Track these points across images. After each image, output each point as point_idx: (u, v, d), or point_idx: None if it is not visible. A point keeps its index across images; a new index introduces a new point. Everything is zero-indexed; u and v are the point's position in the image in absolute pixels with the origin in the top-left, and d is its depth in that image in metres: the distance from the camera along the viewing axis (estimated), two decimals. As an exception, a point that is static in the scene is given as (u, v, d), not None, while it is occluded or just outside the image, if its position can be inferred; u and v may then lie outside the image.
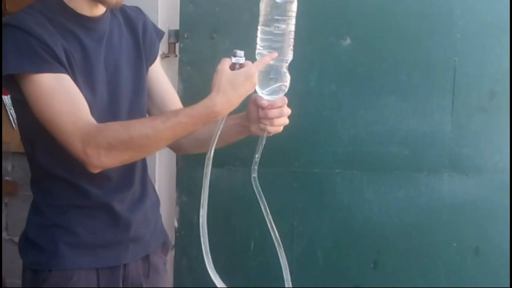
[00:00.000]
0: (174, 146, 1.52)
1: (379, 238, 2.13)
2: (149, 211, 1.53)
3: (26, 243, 1.44)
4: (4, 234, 2.80)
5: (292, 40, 1.31)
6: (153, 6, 2.01)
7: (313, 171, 2.13)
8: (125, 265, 1.47)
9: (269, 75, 1.31)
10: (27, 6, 1.36)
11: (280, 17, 1.28)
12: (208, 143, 1.34)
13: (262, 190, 1.38)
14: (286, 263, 1.39)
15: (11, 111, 2.75)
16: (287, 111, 1.35)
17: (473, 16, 2.06)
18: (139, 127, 1.29)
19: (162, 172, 2.14)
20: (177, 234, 2.12)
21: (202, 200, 1.32)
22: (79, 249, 1.41)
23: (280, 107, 1.34)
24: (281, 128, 1.37)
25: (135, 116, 1.46)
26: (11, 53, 1.28)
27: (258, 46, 1.32)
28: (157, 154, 2.03)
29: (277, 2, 1.28)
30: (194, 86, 2.04)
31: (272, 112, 1.33)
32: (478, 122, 2.10)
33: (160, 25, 1.85)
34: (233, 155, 2.01)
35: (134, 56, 1.48)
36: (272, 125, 1.35)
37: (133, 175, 1.48)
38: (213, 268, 1.30)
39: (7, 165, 2.78)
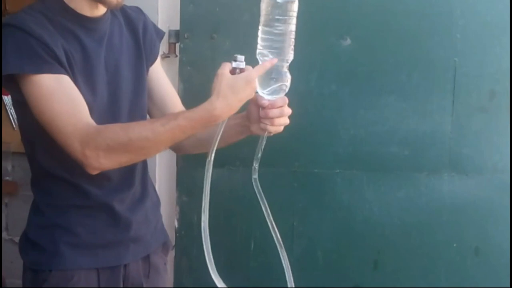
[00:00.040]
0: (175, 146, 1.52)
1: (379, 238, 2.13)
2: (149, 211, 1.53)
3: (27, 243, 1.44)
4: (4, 234, 2.80)
5: (293, 40, 1.32)
6: (153, 6, 2.01)
7: (313, 171, 2.13)
8: (125, 265, 1.47)
9: (270, 75, 1.32)
10: (27, 6, 1.36)
11: (281, 17, 1.28)
12: (209, 143, 1.34)
13: (262, 190, 1.38)
14: (288, 264, 1.39)
15: (11, 111, 2.75)
16: (288, 111, 1.35)
17: (473, 16, 2.06)
18: (138, 130, 1.29)
19: (162, 172, 2.14)
20: (177, 234, 2.12)
21: (203, 205, 1.32)
22: (79, 249, 1.41)
23: (281, 106, 1.34)
24: (281, 128, 1.37)
25: (135, 117, 1.46)
26: (11, 53, 1.28)
27: (258, 46, 1.33)
28: (158, 154, 2.03)
29: (278, 2, 1.28)
30: (194, 86, 2.04)
31: (273, 112, 1.34)
32: (478, 122, 2.10)
33: (160, 25, 1.85)
34: (233, 155, 2.01)
35: (134, 56, 1.48)
36: (272, 124, 1.35)
37: (134, 175, 1.48)
38: (216, 273, 1.31)
39: (7, 165, 2.78)
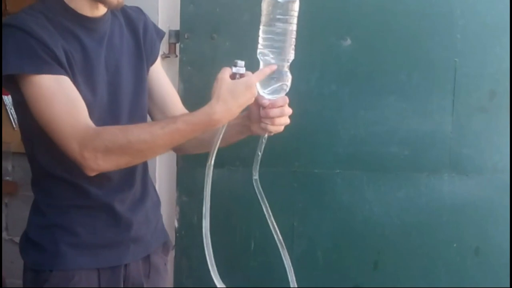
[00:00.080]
0: (175, 147, 1.52)
1: (379, 238, 2.13)
2: (150, 211, 1.53)
3: (27, 243, 1.44)
4: (4, 234, 2.80)
5: (294, 39, 1.32)
6: (153, 6, 2.01)
7: (313, 171, 2.13)
8: (126, 265, 1.47)
9: (271, 75, 1.32)
10: (27, 7, 1.36)
11: (282, 17, 1.29)
12: (209, 143, 1.34)
13: (262, 190, 1.38)
14: (290, 264, 1.39)
15: (11, 111, 2.75)
16: (288, 110, 1.35)
17: (473, 16, 2.06)
18: (137, 132, 1.29)
19: (162, 172, 2.14)
20: (177, 234, 2.12)
21: (204, 211, 1.32)
22: (80, 249, 1.41)
23: (281, 106, 1.34)
24: (282, 128, 1.37)
25: (135, 117, 1.46)
26: (11, 53, 1.28)
27: (259, 46, 1.33)
28: (157, 154, 2.04)
29: (279, 2, 1.28)
30: (195, 86, 2.05)
31: (273, 112, 1.34)
32: (479, 122, 2.10)
33: (160, 26, 1.85)
34: (233, 155, 2.01)
35: (135, 56, 1.48)
36: (273, 124, 1.35)
37: (134, 175, 1.48)
38: (218, 277, 1.31)
39: (8, 165, 2.78)
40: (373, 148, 2.10)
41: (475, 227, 2.13)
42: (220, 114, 1.27)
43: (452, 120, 2.09)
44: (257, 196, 1.39)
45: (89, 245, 1.42)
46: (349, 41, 2.07)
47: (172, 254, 2.00)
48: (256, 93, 1.30)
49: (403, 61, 2.08)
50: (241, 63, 1.30)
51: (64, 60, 1.31)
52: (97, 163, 1.28)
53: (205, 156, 1.38)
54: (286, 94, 1.35)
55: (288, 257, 1.39)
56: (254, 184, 1.38)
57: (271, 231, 1.42)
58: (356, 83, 2.09)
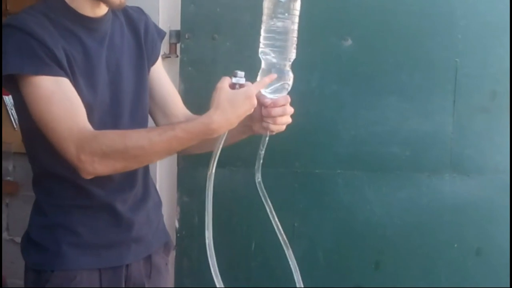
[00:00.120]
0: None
1: (380, 238, 2.13)
2: (151, 211, 1.53)
3: (29, 244, 1.44)
4: (5, 234, 2.80)
5: (295, 38, 1.32)
6: (154, 7, 2.01)
7: (314, 172, 2.12)
8: (127, 265, 1.47)
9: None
10: (28, 7, 1.36)
11: (283, 16, 1.29)
12: (211, 143, 1.34)
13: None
14: (296, 264, 1.39)
15: (12, 111, 2.75)
16: (290, 109, 1.35)
17: (474, 16, 2.06)
18: (135, 138, 1.29)
19: (163, 172, 2.13)
20: (178, 234, 2.12)
21: (206, 222, 1.32)
22: (81, 249, 1.40)
23: (283, 105, 1.34)
24: (284, 127, 1.37)
25: (137, 117, 1.46)
26: (11, 53, 1.28)
27: (261, 45, 1.33)
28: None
29: (281, 1, 1.28)
30: (195, 87, 2.04)
31: (275, 111, 1.34)
32: (480, 122, 2.09)
33: (161, 26, 1.84)
34: (234, 156, 2.01)
35: (136, 56, 1.48)
36: (275, 123, 1.35)
37: (135, 175, 1.47)
38: (220, 280, 1.31)
39: (9, 165, 2.78)
40: (374, 148, 2.10)
41: (476, 227, 2.12)
42: (218, 123, 1.27)
43: (453, 120, 2.08)
44: (258, 197, 1.39)
45: (90, 245, 1.42)
46: (350, 41, 2.07)
47: (172, 254, 2.00)
48: (256, 104, 1.30)
49: (404, 61, 2.08)
50: (241, 73, 1.30)
51: (64, 61, 1.31)
52: (93, 167, 1.28)
53: (206, 156, 1.38)
54: (287, 94, 1.35)
55: (293, 257, 1.39)
56: (258, 186, 1.38)
57: (272, 231, 1.42)
58: (357, 83, 2.09)
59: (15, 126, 2.74)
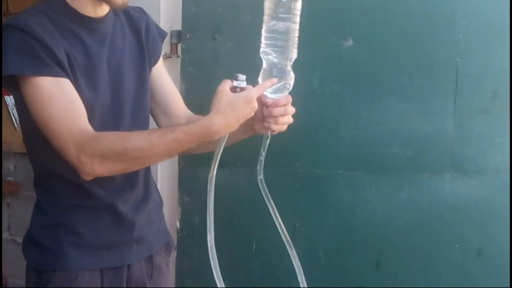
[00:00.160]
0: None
1: (381, 239, 2.12)
2: (152, 211, 1.53)
3: (30, 244, 1.44)
4: (6, 234, 2.80)
5: (297, 38, 1.32)
6: (155, 7, 2.01)
7: (315, 172, 2.12)
8: (128, 265, 1.47)
9: (273, 73, 1.32)
10: (30, 7, 1.36)
11: (284, 15, 1.29)
12: (212, 144, 1.34)
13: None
14: (300, 264, 1.39)
15: (13, 111, 2.76)
16: (292, 109, 1.36)
17: (476, 16, 2.06)
18: (135, 140, 1.29)
19: (164, 172, 2.14)
20: (179, 234, 2.12)
21: (208, 225, 1.32)
22: (83, 250, 1.41)
23: (285, 105, 1.34)
24: (285, 127, 1.37)
25: (138, 117, 1.46)
26: (11, 54, 1.28)
27: (262, 45, 1.33)
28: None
29: (282, 1, 1.29)
30: (196, 87, 2.04)
31: (277, 111, 1.34)
32: (481, 123, 2.09)
33: (162, 26, 1.84)
34: (235, 156, 2.01)
35: (137, 56, 1.48)
36: (276, 123, 1.35)
37: (137, 176, 1.47)
38: (221, 280, 1.31)
39: (10, 165, 2.78)
40: (375, 148, 2.10)
41: (477, 227, 2.12)
42: (218, 126, 1.27)
43: (454, 121, 2.08)
44: (259, 197, 1.39)
45: (92, 245, 1.42)
46: (351, 42, 2.07)
47: (173, 254, 2.00)
48: (256, 107, 1.30)
49: (405, 62, 2.08)
50: (242, 77, 1.30)
51: (65, 62, 1.31)
52: (93, 168, 1.29)
53: (207, 157, 1.38)
54: (288, 94, 1.35)
55: (297, 257, 1.39)
56: (259, 184, 1.38)
57: (272, 231, 1.42)
58: (357, 83, 2.09)
59: (16, 126, 2.74)
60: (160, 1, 2.06)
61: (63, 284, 1.39)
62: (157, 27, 1.58)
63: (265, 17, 1.31)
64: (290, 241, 1.39)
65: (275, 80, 1.32)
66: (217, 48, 2.06)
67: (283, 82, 1.33)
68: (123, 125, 1.43)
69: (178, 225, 2.12)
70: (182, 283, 2.13)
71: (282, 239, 1.40)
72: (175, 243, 2.05)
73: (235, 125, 1.29)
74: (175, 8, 2.09)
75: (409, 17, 2.06)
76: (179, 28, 2.09)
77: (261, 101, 1.33)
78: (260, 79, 1.35)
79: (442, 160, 2.10)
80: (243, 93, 1.29)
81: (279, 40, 1.30)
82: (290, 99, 1.35)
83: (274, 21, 1.30)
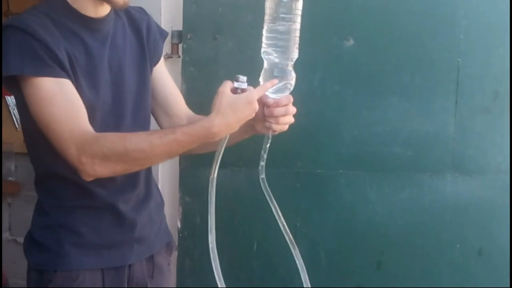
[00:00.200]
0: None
1: (382, 238, 2.12)
2: (153, 211, 1.53)
3: (31, 244, 1.44)
4: (7, 234, 2.81)
5: (298, 38, 1.32)
6: (156, 7, 2.01)
7: (316, 172, 2.12)
8: (130, 265, 1.47)
9: (274, 73, 1.32)
10: (31, 7, 1.36)
11: (285, 15, 1.29)
12: (213, 144, 1.34)
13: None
14: (303, 264, 1.39)
15: (14, 111, 2.76)
16: (293, 109, 1.36)
17: (477, 16, 2.06)
18: (135, 141, 1.29)
19: (165, 172, 2.14)
20: (180, 234, 2.12)
21: (210, 225, 1.32)
22: (84, 250, 1.41)
23: (286, 105, 1.34)
24: (286, 127, 1.37)
25: (139, 117, 1.46)
26: (12, 54, 1.28)
27: (263, 45, 1.33)
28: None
29: (283, 1, 1.29)
30: (197, 87, 2.05)
31: (278, 110, 1.34)
32: (482, 122, 2.09)
33: (163, 26, 1.84)
34: (236, 156, 2.01)
35: (138, 56, 1.48)
36: (277, 123, 1.35)
37: (138, 176, 1.47)
38: (222, 281, 1.31)
39: (11, 165, 2.79)
40: (376, 148, 2.10)
41: (478, 227, 2.12)
42: (218, 127, 1.27)
43: (455, 121, 2.08)
44: (260, 197, 1.39)
45: (93, 245, 1.42)
46: (351, 42, 2.07)
47: (174, 254, 2.00)
48: (257, 109, 1.30)
49: (405, 62, 2.08)
50: (243, 78, 1.30)
51: (66, 62, 1.31)
52: (93, 169, 1.29)
53: (208, 157, 1.38)
54: (289, 93, 1.35)
55: (300, 257, 1.39)
56: (261, 183, 1.37)
57: (274, 231, 1.42)
58: (358, 83, 2.09)
59: (17, 126, 2.74)
60: (161, 1, 2.06)
61: (64, 284, 1.39)
62: (158, 27, 1.58)
63: (266, 17, 1.31)
64: (293, 240, 1.38)
65: (275, 81, 1.32)
66: (218, 48, 2.06)
67: (284, 82, 1.33)
68: (124, 125, 1.43)
69: (179, 225, 2.12)
70: (183, 283, 2.13)
71: (283, 239, 1.40)
72: (176, 243, 2.05)
73: (235, 126, 1.29)
74: (176, 8, 2.09)
75: (410, 17, 2.06)
76: (180, 28, 2.09)
77: (262, 101, 1.33)
78: (261, 79, 1.35)
79: (443, 160, 2.10)
80: (243, 94, 1.29)
81: (280, 40, 1.30)
82: (291, 99, 1.35)
83: (275, 21, 1.30)
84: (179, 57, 2.11)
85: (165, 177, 2.14)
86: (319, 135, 2.10)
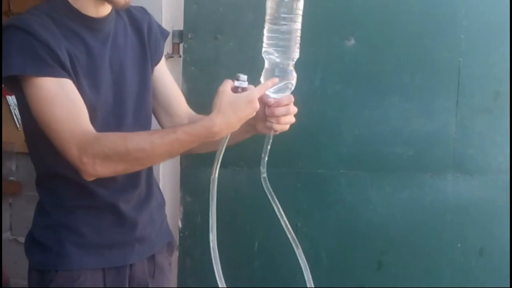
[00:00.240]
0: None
1: (383, 238, 2.13)
2: (154, 211, 1.53)
3: (32, 244, 1.44)
4: (8, 234, 2.81)
5: (299, 38, 1.32)
6: (157, 6, 2.01)
7: (317, 172, 2.12)
8: (131, 265, 1.47)
9: (275, 73, 1.32)
10: (33, 7, 1.36)
11: (286, 15, 1.29)
12: (214, 144, 1.34)
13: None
14: (306, 263, 1.39)
15: (15, 111, 2.76)
16: (294, 109, 1.35)
17: (477, 16, 2.06)
18: (136, 140, 1.29)
19: (166, 172, 2.14)
20: (181, 234, 2.12)
21: (211, 224, 1.32)
22: (85, 249, 1.41)
23: (287, 105, 1.34)
24: (287, 127, 1.37)
25: (140, 117, 1.46)
26: (14, 54, 1.28)
27: (264, 44, 1.33)
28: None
29: (284, 0, 1.28)
30: (198, 87, 2.05)
31: (279, 110, 1.34)
32: (483, 122, 2.09)
33: (164, 25, 1.84)
34: (237, 156, 2.01)
35: (139, 56, 1.48)
36: (278, 123, 1.35)
37: (139, 175, 1.47)
38: (223, 281, 1.31)
39: (12, 165, 2.79)
40: (377, 148, 2.10)
41: (479, 227, 2.12)
42: (219, 126, 1.27)
43: (456, 120, 2.08)
44: (261, 196, 1.39)
45: (94, 245, 1.42)
46: (352, 41, 2.07)
47: (175, 254, 2.00)
48: (258, 108, 1.30)
49: (406, 61, 2.08)
50: (243, 77, 1.30)
51: (67, 62, 1.31)
52: (95, 169, 1.29)
53: (209, 156, 1.38)
54: (290, 93, 1.35)
55: (303, 256, 1.38)
56: (263, 182, 1.37)
57: (275, 231, 1.42)
58: (359, 83, 2.09)
59: (18, 126, 2.74)
60: (162, 1, 2.06)
61: (65, 284, 1.39)
62: (159, 26, 1.58)
63: (267, 17, 1.31)
64: (296, 239, 1.38)
65: (276, 79, 1.31)
66: (219, 48, 2.06)
67: (285, 82, 1.33)
68: (125, 125, 1.43)
69: (180, 224, 2.12)
70: (184, 283, 2.13)
71: (284, 239, 1.40)
72: (177, 243, 2.06)
73: (236, 125, 1.29)
74: (177, 8, 2.09)
75: (411, 16, 2.06)
76: (181, 28, 2.09)
77: (263, 101, 1.33)
78: (262, 79, 1.35)
79: (444, 159, 2.10)
80: (244, 93, 1.29)
81: (281, 40, 1.30)
82: (292, 99, 1.35)
83: (276, 21, 1.29)
84: (180, 56, 2.11)
85: (166, 176, 2.14)
86: (320, 135, 2.11)
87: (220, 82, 1.31)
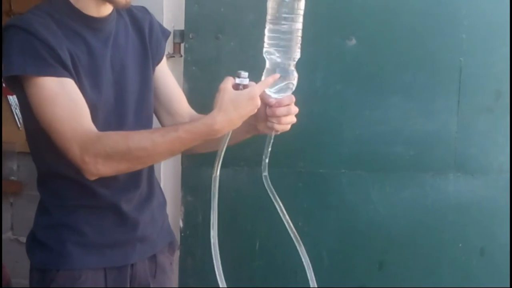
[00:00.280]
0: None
1: (384, 238, 2.13)
2: (156, 211, 1.53)
3: (34, 243, 1.44)
4: (9, 234, 2.81)
5: (300, 38, 1.32)
6: (158, 6, 2.01)
7: (318, 171, 2.12)
8: (132, 265, 1.47)
9: (277, 73, 1.32)
10: (34, 7, 1.36)
11: (287, 15, 1.29)
12: (215, 143, 1.34)
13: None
14: (309, 261, 1.39)
15: (16, 110, 2.76)
16: (295, 109, 1.35)
17: (479, 16, 2.06)
18: (138, 139, 1.29)
19: (167, 171, 2.14)
20: (182, 234, 2.12)
21: (212, 221, 1.32)
22: (87, 249, 1.41)
23: (288, 105, 1.34)
24: (288, 127, 1.37)
25: (141, 116, 1.47)
26: (15, 54, 1.28)
27: (265, 44, 1.33)
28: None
29: (285, 0, 1.28)
30: (199, 86, 2.05)
31: (280, 110, 1.34)
32: (484, 122, 2.09)
33: (165, 25, 1.85)
34: (238, 156, 2.01)
35: (140, 56, 1.48)
36: (279, 123, 1.35)
37: (140, 175, 1.47)
38: (224, 281, 1.31)
39: (13, 165, 2.79)
40: (378, 148, 2.10)
41: (480, 227, 2.12)
42: (221, 124, 1.27)
43: (458, 120, 2.08)
44: (262, 196, 1.39)
45: (95, 244, 1.42)
46: (354, 41, 2.07)
47: (176, 253, 2.00)
48: (259, 105, 1.30)
49: (408, 61, 2.08)
50: (244, 74, 1.30)
51: (69, 62, 1.31)
52: (96, 168, 1.29)
53: (210, 156, 1.38)
54: (292, 93, 1.35)
55: (306, 254, 1.38)
56: (264, 181, 1.37)
57: (276, 231, 1.42)
58: (360, 83, 2.09)
59: (19, 125, 2.75)
60: (163, 0, 2.06)
61: (66, 283, 1.39)
62: (161, 26, 1.58)
63: (268, 17, 1.31)
64: (298, 237, 1.38)
65: (277, 75, 1.31)
66: (220, 48, 2.06)
67: (286, 82, 1.33)
68: (127, 124, 1.43)
69: (181, 224, 2.12)
70: (185, 283, 2.14)
71: (285, 238, 1.40)
72: (178, 243, 2.06)
73: (238, 122, 1.29)
74: (178, 7, 2.09)
75: (412, 16, 2.06)
76: (182, 27, 2.09)
77: (264, 101, 1.33)
78: (263, 79, 1.35)
79: (445, 159, 2.10)
80: (245, 90, 1.28)
81: (282, 40, 1.30)
82: (293, 99, 1.35)
83: (277, 21, 1.29)
84: (181, 56, 2.11)
85: (167, 176, 2.14)
86: (321, 134, 2.11)
87: (221, 82, 1.31)
